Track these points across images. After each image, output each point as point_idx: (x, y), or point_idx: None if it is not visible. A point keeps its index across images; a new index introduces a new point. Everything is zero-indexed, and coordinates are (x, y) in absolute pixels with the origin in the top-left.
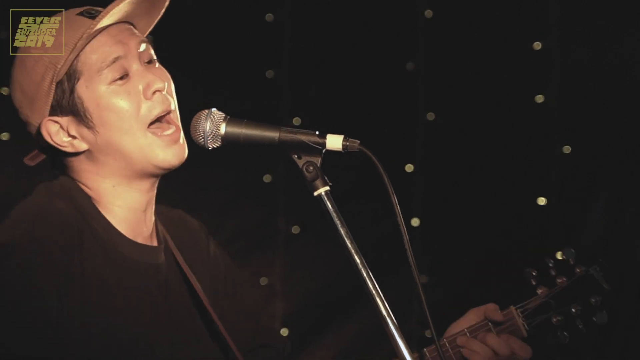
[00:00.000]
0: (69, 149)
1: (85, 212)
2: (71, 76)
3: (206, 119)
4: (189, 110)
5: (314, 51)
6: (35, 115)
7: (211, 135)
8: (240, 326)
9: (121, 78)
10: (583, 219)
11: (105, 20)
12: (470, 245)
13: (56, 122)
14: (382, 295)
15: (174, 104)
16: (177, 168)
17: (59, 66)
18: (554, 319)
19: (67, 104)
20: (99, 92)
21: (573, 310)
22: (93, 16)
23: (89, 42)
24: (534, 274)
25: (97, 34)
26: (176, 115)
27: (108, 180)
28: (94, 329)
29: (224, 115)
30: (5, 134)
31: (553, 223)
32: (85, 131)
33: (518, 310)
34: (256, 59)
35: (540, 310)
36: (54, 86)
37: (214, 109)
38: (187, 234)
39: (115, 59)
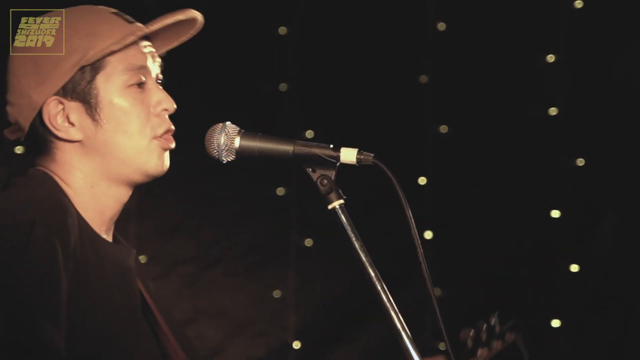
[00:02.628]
0: (61, 134)
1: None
2: (96, 66)
3: (220, 132)
4: (202, 124)
5: (327, 64)
6: (39, 90)
7: (225, 149)
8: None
9: (139, 86)
10: (595, 232)
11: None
12: (484, 257)
13: (62, 102)
14: (396, 308)
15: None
16: (157, 179)
17: (91, 52)
18: None
19: (81, 91)
20: (116, 89)
21: None
22: (128, 21)
23: (128, 44)
24: (471, 335)
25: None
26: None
27: (88, 178)
28: (87, 323)
29: (238, 128)
30: (19, 147)
31: (566, 235)
32: (88, 122)
33: None
34: (269, 72)
35: None
36: (75, 69)
37: (228, 123)
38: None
39: (141, 67)
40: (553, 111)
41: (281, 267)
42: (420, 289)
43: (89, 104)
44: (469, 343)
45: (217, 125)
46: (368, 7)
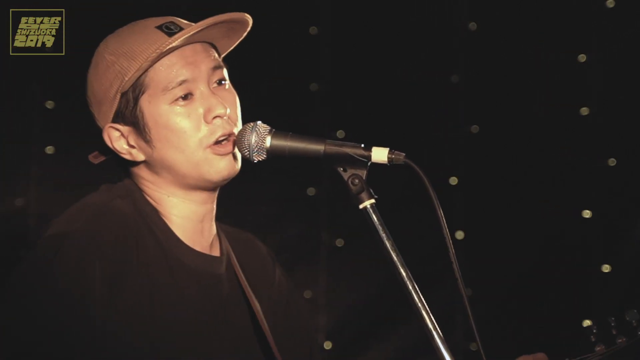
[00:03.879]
0: (127, 157)
1: (147, 216)
2: (136, 88)
3: (251, 131)
4: None
5: (358, 64)
6: (100, 118)
7: (256, 148)
8: (294, 354)
9: (185, 98)
10: (627, 232)
11: (181, 40)
12: (515, 257)
13: (117, 129)
14: (427, 307)
15: (236, 128)
16: (228, 181)
17: (127, 78)
18: None
19: (129, 115)
20: (160, 109)
21: None
22: (172, 32)
23: (160, 59)
24: (594, 330)
25: (170, 52)
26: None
27: (163, 190)
28: (143, 333)
29: (269, 128)
30: (50, 147)
31: (598, 236)
32: (143, 143)
33: None
34: (300, 72)
35: None
36: (119, 95)
37: (259, 122)
38: (254, 256)
39: (182, 82)
40: (584, 111)
41: (312, 267)
42: (452, 289)
43: (138, 126)
44: (592, 338)
45: (248, 124)
46: (399, 6)
